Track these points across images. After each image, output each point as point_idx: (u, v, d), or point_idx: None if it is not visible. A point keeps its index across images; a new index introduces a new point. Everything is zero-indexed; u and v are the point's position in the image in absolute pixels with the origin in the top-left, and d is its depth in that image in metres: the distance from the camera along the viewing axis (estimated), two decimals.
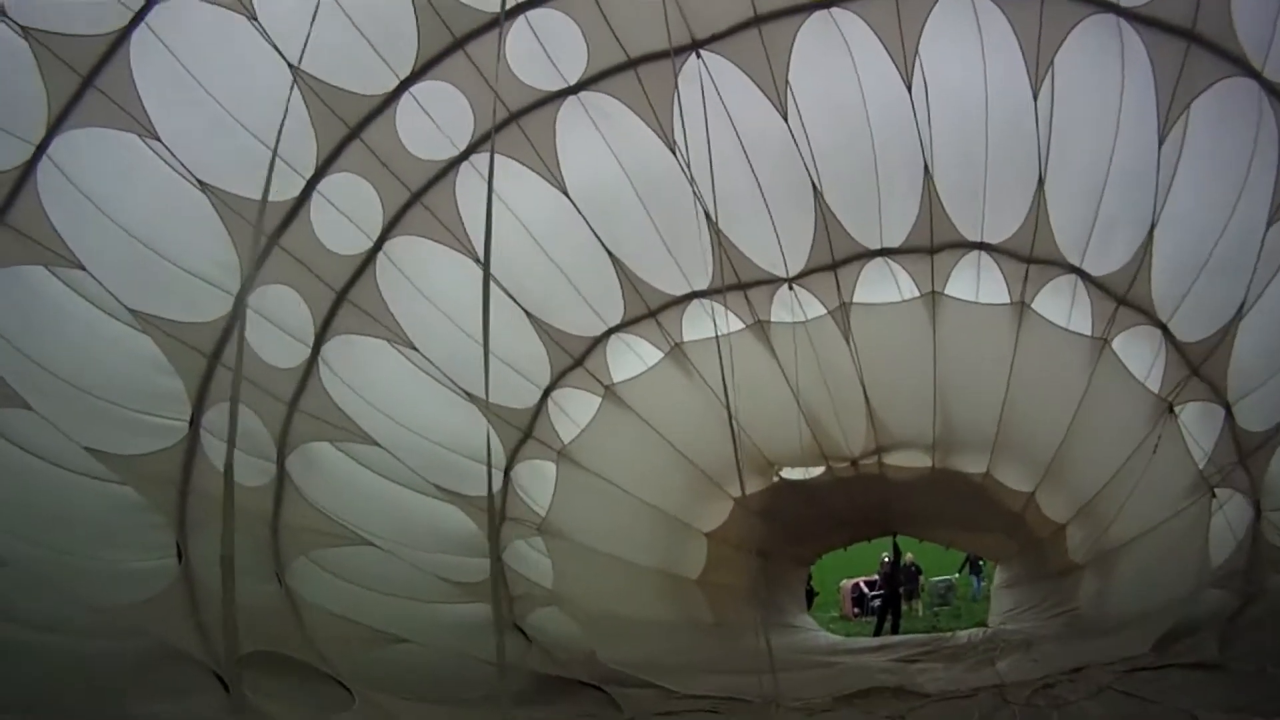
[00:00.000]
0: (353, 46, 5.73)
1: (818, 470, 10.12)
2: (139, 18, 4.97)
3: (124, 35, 4.97)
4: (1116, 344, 7.30)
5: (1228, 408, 6.66)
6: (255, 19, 5.33)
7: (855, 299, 7.88)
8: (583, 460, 8.49)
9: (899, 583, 14.79)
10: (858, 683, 7.29)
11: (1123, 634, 7.28)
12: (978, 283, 7.62)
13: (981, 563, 17.40)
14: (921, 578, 16.91)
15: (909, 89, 6.48)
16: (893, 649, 9.87)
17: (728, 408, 8.29)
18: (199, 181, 5.56)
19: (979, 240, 7.41)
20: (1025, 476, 9.17)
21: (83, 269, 5.14)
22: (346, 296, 6.67)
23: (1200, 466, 6.91)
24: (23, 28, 4.64)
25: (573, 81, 6.60)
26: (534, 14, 6.09)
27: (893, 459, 9.65)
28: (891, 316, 7.95)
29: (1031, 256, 7.28)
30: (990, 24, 6.15)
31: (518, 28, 6.12)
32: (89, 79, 4.96)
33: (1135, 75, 6.08)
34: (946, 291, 7.69)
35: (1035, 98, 6.39)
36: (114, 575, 5.19)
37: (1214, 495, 6.79)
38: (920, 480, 9.70)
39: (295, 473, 6.66)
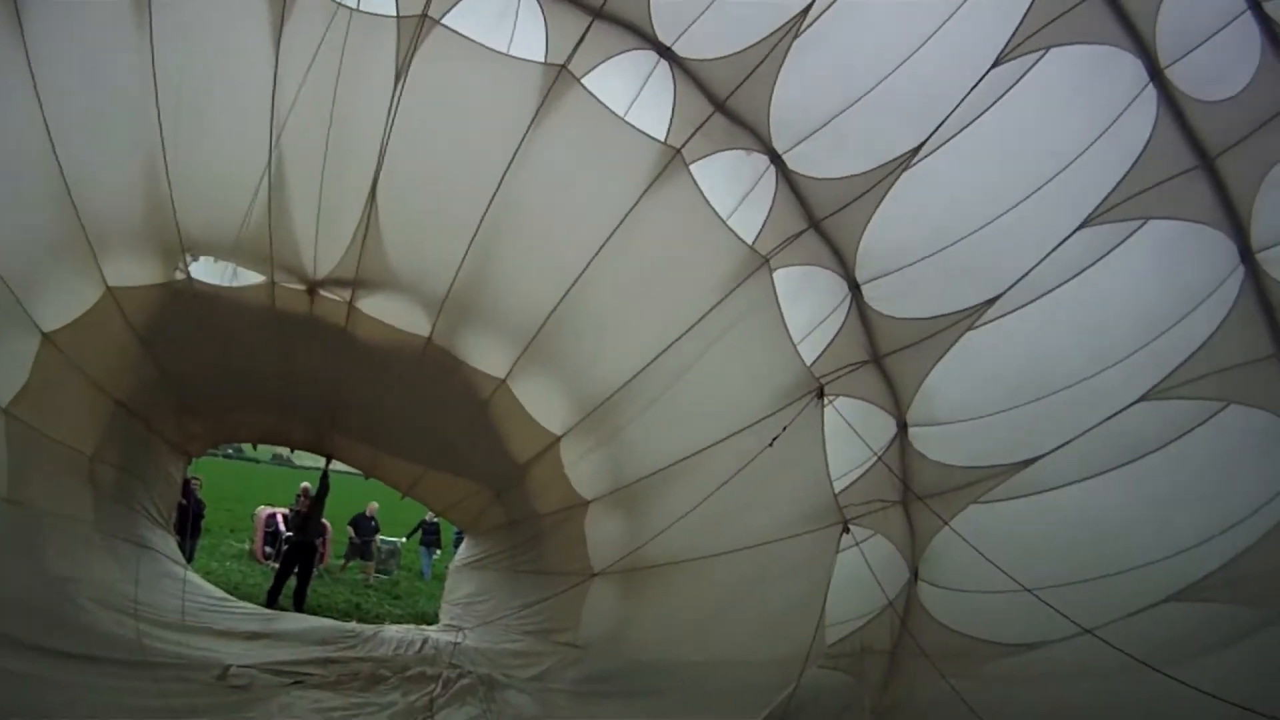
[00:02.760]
0: None
1: (254, 280, 5.99)
2: None
3: None
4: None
5: (903, 424, 4.93)
6: None
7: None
8: None
9: (316, 529, 9.89)
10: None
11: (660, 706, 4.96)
12: None
13: (439, 529, 13.96)
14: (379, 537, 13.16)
15: None
16: (275, 642, 6.09)
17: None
18: None
19: None
20: (563, 408, 6.31)
21: None
22: None
23: (835, 490, 5.04)
24: None
25: None
26: None
27: (374, 306, 6.05)
28: (484, 71, 4.70)
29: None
30: None
31: None
32: None
33: None
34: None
35: None
36: None
37: (848, 531, 4.98)
38: (401, 356, 6.23)
39: None
